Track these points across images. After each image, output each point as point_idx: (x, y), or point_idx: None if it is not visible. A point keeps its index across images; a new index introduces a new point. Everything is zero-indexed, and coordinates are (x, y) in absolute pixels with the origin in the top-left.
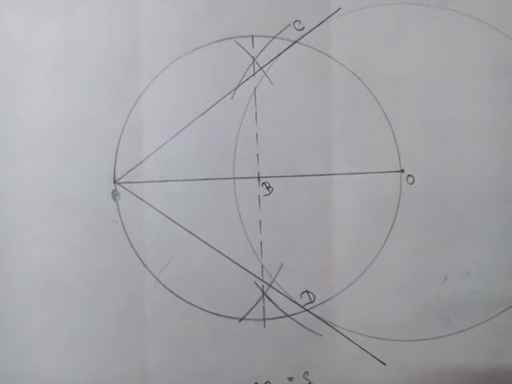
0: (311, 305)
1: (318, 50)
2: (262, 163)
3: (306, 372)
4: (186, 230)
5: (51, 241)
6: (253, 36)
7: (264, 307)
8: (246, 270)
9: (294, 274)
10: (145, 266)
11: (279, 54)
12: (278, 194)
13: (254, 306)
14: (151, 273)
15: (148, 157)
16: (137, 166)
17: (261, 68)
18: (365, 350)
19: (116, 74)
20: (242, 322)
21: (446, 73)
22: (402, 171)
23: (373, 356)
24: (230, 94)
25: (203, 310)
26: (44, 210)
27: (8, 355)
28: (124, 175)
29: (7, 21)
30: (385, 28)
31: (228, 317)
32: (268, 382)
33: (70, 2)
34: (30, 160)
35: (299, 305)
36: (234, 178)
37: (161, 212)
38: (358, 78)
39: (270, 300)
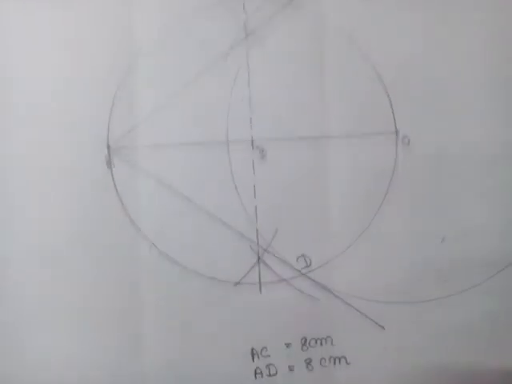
0: (308, 269)
1: (310, 13)
2: (255, 127)
3: (304, 337)
4: (181, 194)
5: (45, 209)
6: None
7: (260, 271)
8: (240, 234)
9: (289, 238)
10: (140, 230)
11: (271, 17)
12: (272, 157)
13: (250, 270)
14: (147, 238)
15: (142, 122)
16: (130, 131)
17: (253, 31)
18: (363, 314)
19: (108, 40)
20: (238, 286)
21: (440, 34)
22: (397, 132)
23: (371, 320)
24: (222, 58)
25: (198, 273)
26: (38, 177)
27: (3, 326)
28: (117, 140)
29: None
30: None
31: (223, 281)
32: (265, 347)
33: None
34: (23, 127)
35: (295, 269)
36: (228, 143)
37: (155, 177)
38: (352, 41)
39: (266, 264)
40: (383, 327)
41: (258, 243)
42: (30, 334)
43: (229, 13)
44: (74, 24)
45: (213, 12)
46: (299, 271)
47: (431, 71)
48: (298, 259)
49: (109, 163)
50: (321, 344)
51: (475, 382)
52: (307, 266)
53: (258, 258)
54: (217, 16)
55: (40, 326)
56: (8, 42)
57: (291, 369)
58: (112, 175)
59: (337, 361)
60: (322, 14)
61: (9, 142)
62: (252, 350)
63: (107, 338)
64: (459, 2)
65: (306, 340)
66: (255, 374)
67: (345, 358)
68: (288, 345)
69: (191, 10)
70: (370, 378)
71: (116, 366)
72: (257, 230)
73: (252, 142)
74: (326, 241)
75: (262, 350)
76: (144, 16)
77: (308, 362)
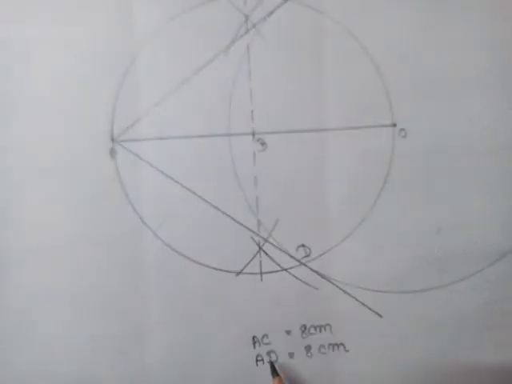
0: (307, 258)
1: (310, 7)
2: (256, 119)
3: (304, 325)
4: (183, 186)
5: (51, 200)
6: None
7: (261, 261)
8: (242, 225)
9: (289, 228)
10: (143, 222)
11: (272, 11)
12: (272, 149)
13: (251, 260)
14: (150, 228)
15: (145, 115)
16: (134, 124)
17: (254, 26)
18: (361, 303)
19: (111, 33)
20: (240, 275)
21: (437, 25)
22: (395, 125)
23: (369, 308)
24: (224, 52)
25: (201, 264)
26: (43, 169)
27: (7, 315)
28: (122, 133)
29: None
30: None
31: (225, 271)
32: (265, 335)
33: None
34: (29, 120)
35: (295, 258)
36: (229, 135)
37: (158, 169)
38: (351, 34)
39: (267, 254)
40: (381, 315)
41: (258, 233)
42: (33, 322)
43: (230, 6)
44: (77, 18)
45: (214, 6)
46: (299, 261)
47: (430, 64)
48: (297, 249)
49: (113, 155)
50: (320, 331)
51: (471, 369)
52: (307, 256)
53: (259, 248)
54: (218, 10)
55: (43, 314)
56: (12, 37)
57: (291, 356)
58: (116, 167)
59: (335, 348)
60: (321, 7)
61: (15, 135)
62: (253, 337)
63: (110, 327)
64: None
65: (305, 327)
66: (256, 360)
67: (343, 346)
68: (288, 332)
69: (193, 4)
70: (368, 364)
71: (118, 354)
72: (258, 221)
73: (253, 134)
74: (325, 231)
75: (263, 338)
76: (146, 9)
77: (308, 349)
